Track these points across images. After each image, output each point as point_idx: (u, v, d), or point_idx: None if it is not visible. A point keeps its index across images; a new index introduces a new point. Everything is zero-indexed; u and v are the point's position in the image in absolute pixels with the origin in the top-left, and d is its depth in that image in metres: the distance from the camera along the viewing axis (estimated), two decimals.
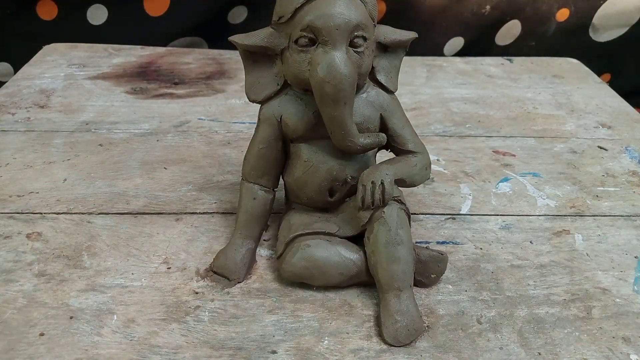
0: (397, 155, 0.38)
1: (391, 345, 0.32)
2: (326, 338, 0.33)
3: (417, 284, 0.36)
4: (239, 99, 0.64)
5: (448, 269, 0.37)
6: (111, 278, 0.37)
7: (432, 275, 0.36)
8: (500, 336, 0.33)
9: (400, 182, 0.36)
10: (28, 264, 0.38)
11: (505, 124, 0.61)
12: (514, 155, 0.54)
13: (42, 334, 0.32)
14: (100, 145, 0.54)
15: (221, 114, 0.61)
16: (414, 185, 0.37)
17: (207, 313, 0.34)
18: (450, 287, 0.37)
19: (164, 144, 0.54)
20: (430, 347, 0.32)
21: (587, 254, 0.41)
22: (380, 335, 0.33)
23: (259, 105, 0.38)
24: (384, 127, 0.37)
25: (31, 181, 0.48)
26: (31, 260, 0.38)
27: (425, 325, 0.34)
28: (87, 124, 0.58)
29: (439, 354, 0.32)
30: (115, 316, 0.34)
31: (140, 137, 0.56)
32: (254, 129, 0.38)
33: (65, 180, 0.48)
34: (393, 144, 0.37)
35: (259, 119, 0.37)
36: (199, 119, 0.60)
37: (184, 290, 0.36)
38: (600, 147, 0.57)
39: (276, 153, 0.37)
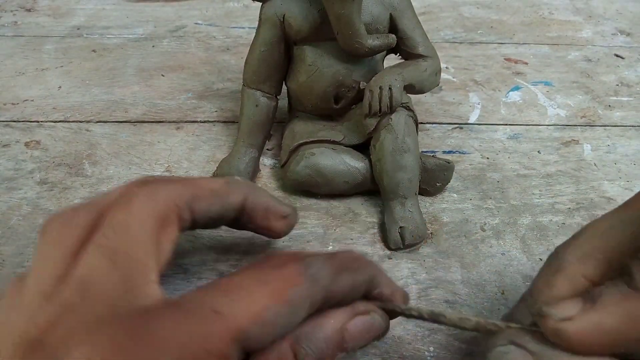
0: (406, 59, 0.36)
1: (394, 251, 0.32)
2: (331, 244, 0.33)
3: (422, 192, 0.36)
4: (237, 2, 0.60)
5: (454, 177, 0.37)
6: (114, 186, 0.37)
7: (438, 184, 0.36)
8: (502, 243, 0.33)
9: (409, 88, 0.34)
10: (29, 172, 0.38)
11: (518, 30, 0.58)
12: (526, 63, 0.52)
13: None
14: (94, 51, 0.52)
15: (219, 18, 0.58)
16: (423, 92, 0.36)
17: None
18: (455, 195, 0.37)
19: (160, 49, 0.52)
20: (434, 253, 0.32)
21: (595, 164, 0.40)
22: (384, 241, 0.33)
23: (258, 7, 0.35)
24: (393, 27, 0.35)
25: (25, 88, 0.46)
26: (32, 168, 0.38)
27: (429, 232, 0.34)
28: (78, 28, 0.55)
29: (442, 259, 0.32)
30: None
31: (134, 42, 0.53)
32: (253, 34, 0.36)
33: (60, 87, 0.47)
34: (402, 47, 0.35)
35: (260, 19, 0.35)
36: (196, 23, 0.57)
37: None
38: (617, 55, 0.54)
39: (278, 56, 0.35)
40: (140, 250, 0.19)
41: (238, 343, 0.17)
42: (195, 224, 0.23)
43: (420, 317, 0.22)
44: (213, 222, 0.24)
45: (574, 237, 0.21)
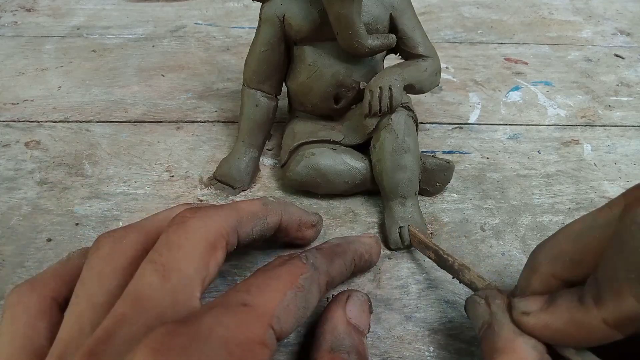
0: (406, 59, 0.36)
1: (394, 251, 0.32)
2: None
3: (422, 192, 0.36)
4: (237, 2, 0.60)
5: (454, 177, 0.37)
6: (114, 186, 0.37)
7: (438, 184, 0.36)
8: (502, 243, 0.33)
9: (409, 88, 0.34)
10: (29, 172, 0.38)
11: (518, 30, 0.58)
12: (526, 63, 0.52)
13: (49, 240, 0.33)
14: (94, 51, 0.52)
15: (219, 18, 0.58)
16: (423, 92, 0.36)
17: None
18: (455, 195, 0.37)
19: (160, 49, 0.52)
20: None
21: (595, 164, 0.40)
22: (384, 241, 0.33)
23: (259, 7, 0.35)
24: (393, 27, 0.34)
25: (25, 88, 0.46)
26: (32, 168, 0.38)
27: (429, 232, 0.34)
28: (78, 28, 0.55)
29: None
30: (120, 222, 0.34)
31: (134, 42, 0.53)
32: (253, 34, 0.36)
33: (60, 87, 0.47)
34: (402, 47, 0.35)
35: (260, 18, 0.35)
36: (196, 23, 0.57)
37: (188, 197, 0.36)
38: (617, 55, 0.54)
39: (279, 56, 0.35)
40: (190, 269, 0.21)
41: (271, 328, 0.20)
42: (239, 244, 0.24)
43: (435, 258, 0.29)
44: (254, 242, 0.26)
45: (549, 239, 0.23)
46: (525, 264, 0.24)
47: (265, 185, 0.37)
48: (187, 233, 0.21)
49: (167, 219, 0.23)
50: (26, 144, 0.40)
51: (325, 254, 0.25)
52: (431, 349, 0.27)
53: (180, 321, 0.18)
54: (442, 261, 0.28)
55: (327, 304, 0.26)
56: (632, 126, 0.44)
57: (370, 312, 0.27)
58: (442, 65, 0.47)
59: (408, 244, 0.32)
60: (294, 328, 0.21)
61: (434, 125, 0.43)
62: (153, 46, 0.53)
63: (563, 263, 0.22)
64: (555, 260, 0.22)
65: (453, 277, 0.27)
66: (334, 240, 0.28)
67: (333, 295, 0.27)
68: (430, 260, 0.32)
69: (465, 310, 0.25)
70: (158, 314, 0.19)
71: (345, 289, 0.29)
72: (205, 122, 0.43)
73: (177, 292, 0.20)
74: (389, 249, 0.33)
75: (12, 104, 0.44)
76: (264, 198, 0.27)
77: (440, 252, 0.28)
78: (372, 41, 0.32)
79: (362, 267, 0.29)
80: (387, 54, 0.37)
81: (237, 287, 0.21)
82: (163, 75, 0.48)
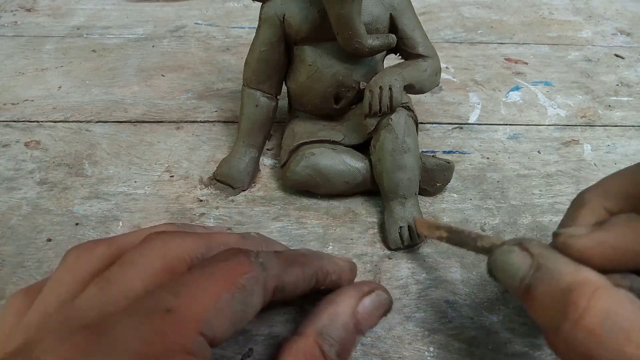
0: (406, 59, 0.36)
1: (394, 251, 0.32)
2: (330, 244, 0.33)
3: (422, 192, 0.36)
4: (237, 2, 0.60)
5: (454, 177, 0.37)
6: (114, 186, 0.37)
7: (438, 184, 0.36)
8: None
9: (409, 88, 0.34)
10: (29, 172, 0.38)
11: (518, 30, 0.58)
12: (526, 63, 0.52)
13: (49, 240, 0.33)
14: (94, 51, 0.52)
15: (219, 18, 0.58)
16: (423, 92, 0.36)
17: (212, 220, 0.34)
18: (455, 195, 0.37)
19: (160, 49, 0.52)
20: (433, 253, 0.32)
21: (595, 164, 0.40)
22: (384, 241, 0.33)
23: (259, 7, 0.35)
24: (393, 27, 0.35)
25: (25, 88, 0.46)
26: (32, 168, 0.38)
27: None
28: (78, 28, 0.55)
29: (442, 259, 0.32)
30: (120, 222, 0.34)
31: (134, 42, 0.53)
32: (253, 34, 0.36)
33: (60, 87, 0.47)
34: (402, 47, 0.35)
35: (260, 18, 0.35)
36: (196, 23, 0.57)
37: (188, 198, 0.36)
38: (617, 55, 0.54)
39: (278, 56, 0.35)
40: (136, 282, 0.20)
41: (201, 334, 0.18)
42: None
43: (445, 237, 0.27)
44: None
45: (599, 181, 0.23)
46: (570, 206, 0.23)
47: (265, 185, 0.37)
48: (143, 250, 0.21)
49: (143, 237, 0.22)
50: (26, 144, 0.40)
51: (282, 258, 0.23)
52: (431, 349, 0.27)
53: (93, 328, 0.17)
54: (456, 235, 0.26)
55: (344, 287, 0.25)
56: (632, 126, 0.44)
57: (383, 316, 0.25)
58: (442, 65, 0.47)
59: (408, 244, 0.32)
60: (230, 332, 0.19)
61: (434, 125, 0.43)
62: (153, 46, 0.53)
63: (616, 195, 0.21)
64: (608, 194, 0.22)
65: (469, 250, 0.25)
66: (303, 250, 0.26)
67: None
68: (430, 259, 0.32)
69: (490, 272, 0.22)
70: (80, 315, 0.19)
71: None
72: (205, 122, 0.43)
73: (108, 304, 0.19)
74: (389, 249, 0.33)
75: (12, 104, 0.44)
76: (245, 233, 0.25)
77: (453, 227, 0.27)
78: (372, 41, 0.32)
79: (326, 286, 0.25)
80: (387, 54, 0.37)
81: (166, 286, 0.19)
82: (163, 75, 0.48)
